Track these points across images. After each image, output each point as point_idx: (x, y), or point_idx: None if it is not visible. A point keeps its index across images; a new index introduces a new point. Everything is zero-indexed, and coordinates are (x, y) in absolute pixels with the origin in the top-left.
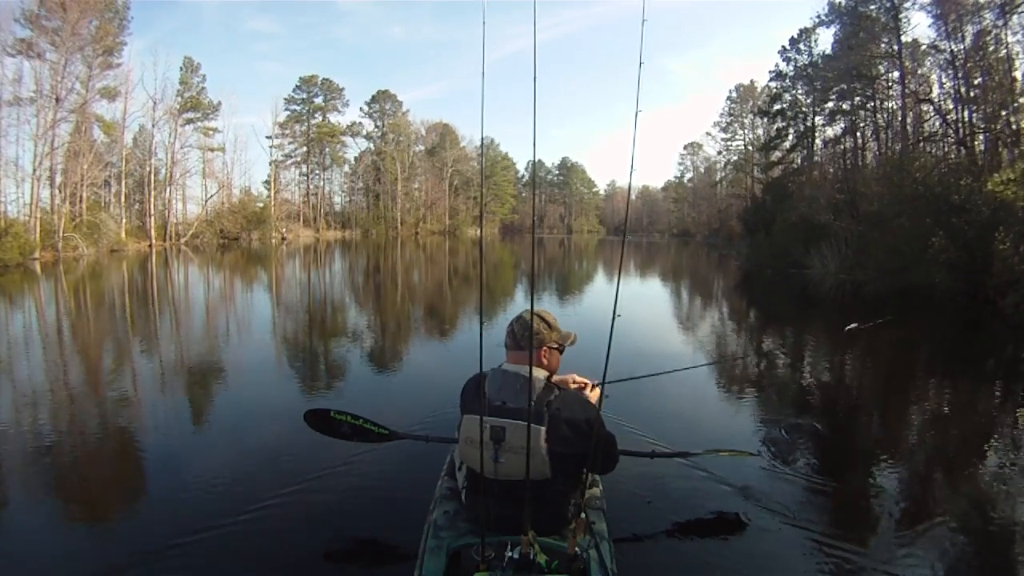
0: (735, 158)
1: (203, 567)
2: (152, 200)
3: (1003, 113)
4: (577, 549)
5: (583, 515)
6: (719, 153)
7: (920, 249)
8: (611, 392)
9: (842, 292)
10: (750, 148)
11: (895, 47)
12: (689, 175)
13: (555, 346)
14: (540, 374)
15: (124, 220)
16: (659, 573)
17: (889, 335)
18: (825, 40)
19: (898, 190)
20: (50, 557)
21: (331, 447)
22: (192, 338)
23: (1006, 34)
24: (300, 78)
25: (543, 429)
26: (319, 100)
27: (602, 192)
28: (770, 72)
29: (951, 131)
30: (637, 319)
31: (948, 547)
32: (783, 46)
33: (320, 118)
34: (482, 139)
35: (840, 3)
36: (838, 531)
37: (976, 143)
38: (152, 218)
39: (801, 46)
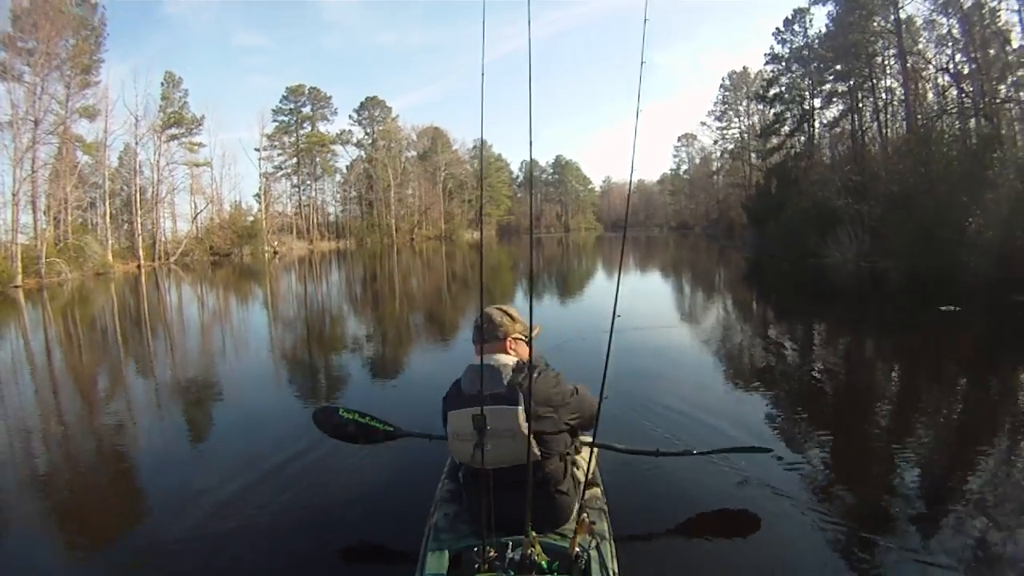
0: (731, 146)
1: (203, 569)
2: (139, 219)
3: (1001, 88)
4: (578, 549)
5: (584, 515)
6: (715, 143)
7: (956, 231)
8: (611, 391)
9: (859, 280)
10: (746, 136)
11: (891, 23)
12: (685, 167)
13: (520, 337)
14: (509, 360)
15: (111, 241)
16: (661, 574)
17: (923, 328)
18: (819, 20)
19: (924, 167)
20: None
21: (332, 450)
22: (188, 359)
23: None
24: (287, 88)
25: (519, 408)
26: (307, 110)
27: (597, 189)
28: (765, 55)
29: (970, 103)
30: (640, 322)
31: (968, 540)
32: (777, 27)
33: (309, 128)
34: (481, 139)
35: None
36: (847, 533)
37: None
38: (140, 237)
39: (796, 27)
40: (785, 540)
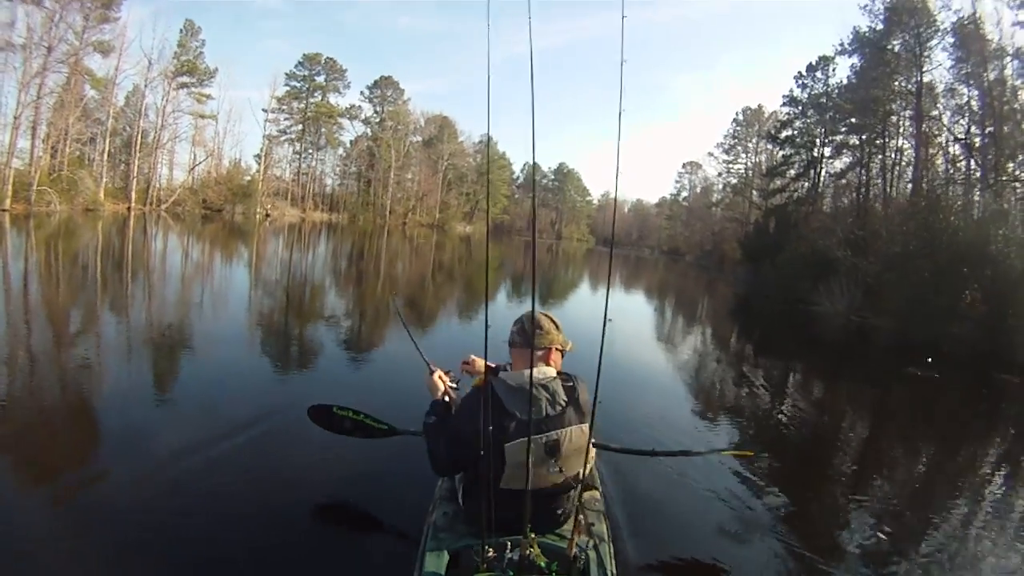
0: (734, 181)
1: (196, 560)
2: (136, 162)
3: (1008, 166)
4: (576, 550)
5: (582, 516)
6: (719, 175)
7: (951, 299)
8: (606, 396)
9: (847, 333)
10: (751, 173)
11: (913, 85)
12: (685, 194)
13: (560, 348)
14: (552, 372)
15: (105, 180)
16: (659, 574)
17: (898, 389)
18: (842, 70)
19: (928, 232)
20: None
21: (330, 444)
22: (165, 309)
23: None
24: (304, 54)
25: (587, 424)
26: (320, 79)
27: (595, 202)
28: (784, 96)
29: (978, 176)
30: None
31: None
32: (800, 71)
33: (320, 97)
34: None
35: (865, 34)
36: (834, 536)
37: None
38: (135, 180)
39: (818, 73)
40: (770, 545)
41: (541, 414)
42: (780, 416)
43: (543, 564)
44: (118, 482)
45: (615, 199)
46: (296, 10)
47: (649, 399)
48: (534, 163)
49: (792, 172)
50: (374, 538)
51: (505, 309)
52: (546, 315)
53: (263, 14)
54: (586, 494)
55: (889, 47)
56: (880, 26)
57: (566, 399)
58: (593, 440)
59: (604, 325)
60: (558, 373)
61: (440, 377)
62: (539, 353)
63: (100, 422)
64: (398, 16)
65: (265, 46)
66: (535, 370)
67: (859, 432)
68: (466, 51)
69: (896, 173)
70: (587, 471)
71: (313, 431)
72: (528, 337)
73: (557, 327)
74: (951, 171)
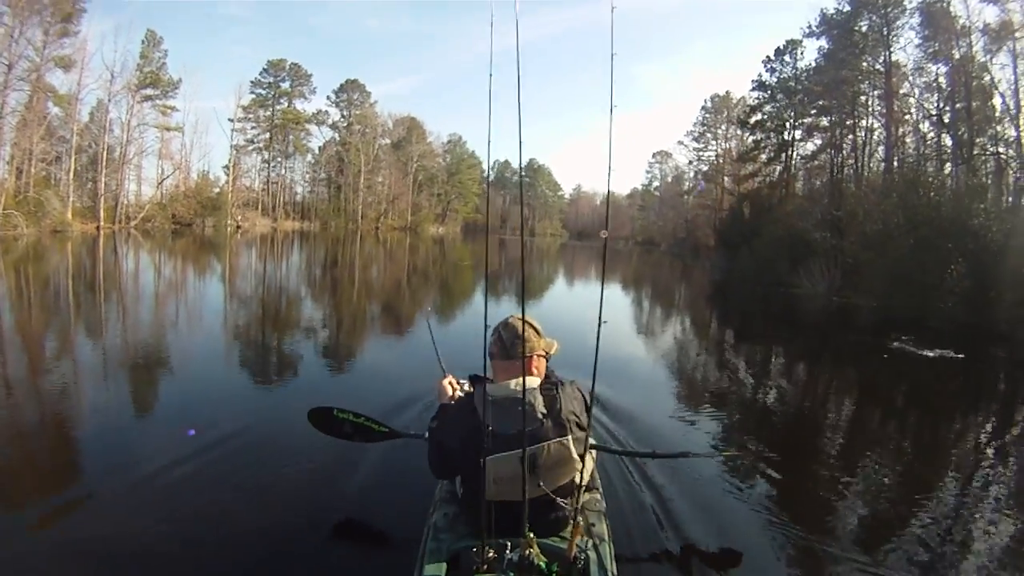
0: (706, 168)
1: (192, 563)
2: (103, 179)
3: (978, 140)
4: (576, 551)
5: (582, 517)
6: (690, 163)
7: (935, 275)
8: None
9: (829, 313)
10: (721, 159)
11: (881, 64)
12: (656, 183)
13: (543, 354)
14: (534, 382)
15: (72, 199)
16: (660, 575)
17: (890, 367)
18: (810, 53)
19: (910, 211)
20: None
21: (328, 447)
22: (139, 329)
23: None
24: (268, 61)
25: (570, 438)
26: (286, 85)
27: (567, 196)
28: (752, 81)
29: (955, 150)
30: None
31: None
32: (768, 56)
33: (286, 104)
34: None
35: (832, 16)
36: (831, 532)
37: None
38: (103, 198)
39: (786, 57)
40: (770, 545)
41: (514, 429)
42: (776, 409)
43: (543, 565)
44: (102, 503)
45: (607, 192)
46: (263, 16)
47: (644, 398)
48: (518, 164)
49: (764, 156)
50: (374, 539)
51: (484, 307)
52: (525, 321)
53: (229, 20)
54: (586, 495)
55: (857, 28)
56: (847, 8)
57: (545, 411)
58: (592, 443)
59: (599, 328)
60: (543, 381)
61: (451, 383)
62: (519, 363)
63: (81, 446)
64: (366, 17)
65: (229, 53)
66: (514, 382)
67: (857, 417)
68: (434, 51)
69: (867, 152)
70: (586, 476)
71: (309, 435)
72: (504, 348)
73: (538, 332)
74: (922, 148)
